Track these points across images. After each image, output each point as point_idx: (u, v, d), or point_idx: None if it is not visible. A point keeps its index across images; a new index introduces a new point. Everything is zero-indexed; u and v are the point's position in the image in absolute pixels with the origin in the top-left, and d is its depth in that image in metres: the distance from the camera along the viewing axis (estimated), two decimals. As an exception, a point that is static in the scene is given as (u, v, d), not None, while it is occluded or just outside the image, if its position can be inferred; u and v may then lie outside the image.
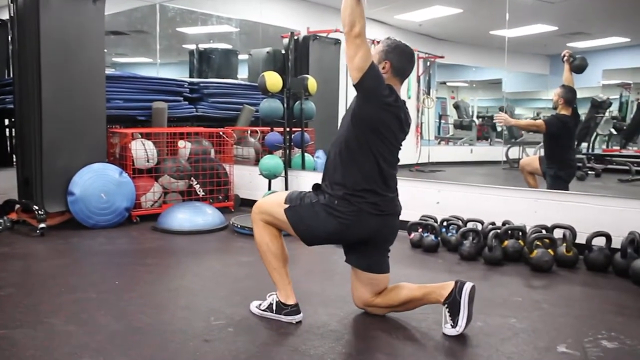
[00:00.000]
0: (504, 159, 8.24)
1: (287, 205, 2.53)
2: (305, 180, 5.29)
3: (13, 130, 5.42)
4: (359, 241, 2.56)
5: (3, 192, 4.88)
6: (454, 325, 2.43)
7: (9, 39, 5.32)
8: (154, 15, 7.41)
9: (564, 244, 3.69)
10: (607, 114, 8.63)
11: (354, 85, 2.36)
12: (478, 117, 12.05)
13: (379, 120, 2.41)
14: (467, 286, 2.46)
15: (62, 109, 4.62)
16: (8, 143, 5.77)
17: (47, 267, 3.60)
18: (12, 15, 4.63)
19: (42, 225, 4.37)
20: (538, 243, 3.67)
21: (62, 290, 3.05)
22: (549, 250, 3.64)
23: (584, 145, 8.34)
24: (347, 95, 7.19)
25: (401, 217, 2.64)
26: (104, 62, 4.99)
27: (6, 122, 5.71)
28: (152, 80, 5.92)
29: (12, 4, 4.59)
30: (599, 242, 3.65)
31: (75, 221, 4.64)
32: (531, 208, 4.17)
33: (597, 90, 8.98)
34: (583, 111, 9.01)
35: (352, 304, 2.73)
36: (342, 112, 7.40)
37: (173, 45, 8.45)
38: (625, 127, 9.09)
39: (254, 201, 5.68)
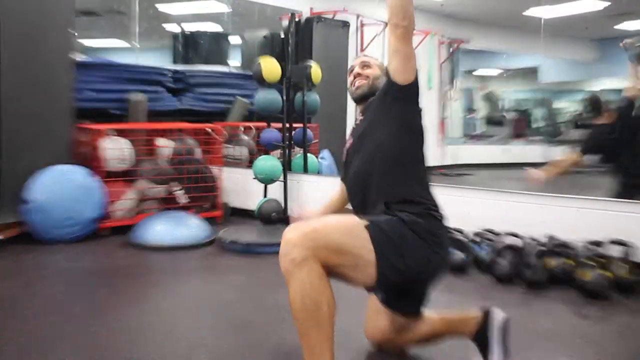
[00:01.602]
0: (543, 160, 8.14)
1: (366, 222, 2.15)
2: (309, 186, 5.27)
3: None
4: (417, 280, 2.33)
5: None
6: None
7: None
8: (132, -8, 7.35)
9: (624, 264, 3.59)
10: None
11: (407, 86, 2.30)
12: (511, 111, 12.02)
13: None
14: (499, 316, 2.37)
15: (23, 102, 4.63)
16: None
17: (-3, 291, 3.57)
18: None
19: (-3, 238, 4.36)
20: (591, 262, 3.59)
21: (15, 317, 3.00)
22: (605, 272, 3.53)
23: None
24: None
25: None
26: (72, 46, 5.00)
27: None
28: (129, 68, 5.93)
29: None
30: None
31: (32, 234, 4.60)
32: (582, 219, 4.05)
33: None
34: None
35: (362, 339, 2.63)
36: (351, 106, 7.31)
37: (154, 28, 8.44)
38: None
39: (247, 211, 5.64)
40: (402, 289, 2.35)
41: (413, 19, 2.24)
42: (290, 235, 2.00)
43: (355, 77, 2.56)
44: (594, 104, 5.01)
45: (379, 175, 2.30)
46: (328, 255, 2.01)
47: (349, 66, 2.67)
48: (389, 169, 2.27)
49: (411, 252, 2.14)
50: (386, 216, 2.20)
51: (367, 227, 2.10)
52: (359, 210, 2.38)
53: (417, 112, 2.39)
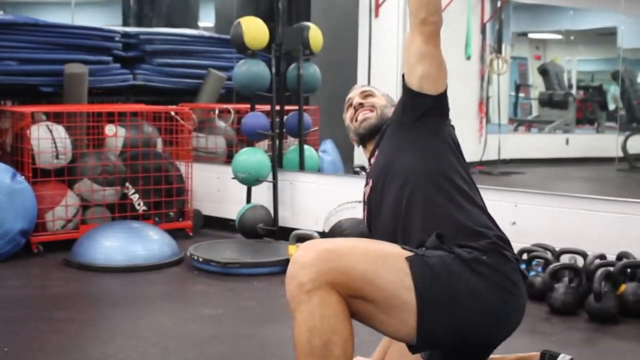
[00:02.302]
0: (621, 154, 8.21)
1: (409, 253, 2.07)
2: (306, 188, 5.30)
3: None
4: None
5: None
6: None
7: None
8: None
9: None
10: None
11: (437, 97, 2.37)
12: (578, 88, 12.00)
13: None
14: None
15: None
16: None
17: None
18: None
19: None
20: None
21: None
22: None
23: None
24: (370, 55, 7.19)
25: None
26: None
27: None
28: (64, 29, 5.97)
29: None
30: None
31: None
32: None
33: None
34: None
35: None
36: (363, 78, 7.42)
37: None
38: None
39: (224, 220, 5.72)
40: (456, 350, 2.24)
41: (441, 15, 2.31)
42: (300, 253, 1.98)
43: (356, 110, 2.62)
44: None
45: (420, 214, 2.24)
46: (349, 285, 1.95)
47: (351, 93, 2.71)
48: (432, 199, 2.22)
49: (472, 300, 2.07)
50: (439, 251, 2.10)
51: (408, 258, 2.02)
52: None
53: (451, 127, 2.43)
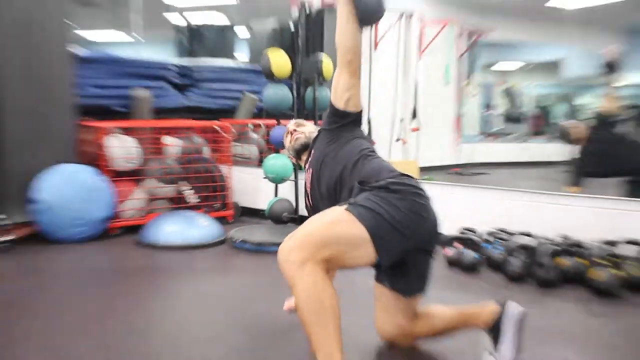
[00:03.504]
0: (567, 158, 8.18)
1: (345, 206, 2.31)
2: None
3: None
4: (415, 246, 2.48)
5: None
6: (498, 357, 2.45)
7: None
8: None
9: (636, 264, 3.69)
10: None
11: (358, 113, 2.77)
12: (533, 107, 11.95)
13: None
14: (515, 308, 2.47)
15: (22, 98, 4.71)
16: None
17: (11, 290, 3.66)
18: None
19: (7, 237, 4.48)
20: (603, 262, 3.68)
21: (29, 317, 3.11)
22: (617, 271, 3.62)
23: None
24: (370, 81, 7.23)
25: (437, 231, 2.67)
26: (69, 38, 5.05)
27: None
28: (133, 62, 6.03)
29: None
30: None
31: (41, 234, 4.73)
32: (595, 219, 4.21)
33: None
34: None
35: (372, 334, 2.73)
36: (364, 102, 7.47)
37: (158, 20, 8.49)
38: None
39: (257, 210, 5.78)
40: (404, 263, 2.50)
41: (361, 56, 2.66)
42: (285, 244, 2.17)
43: (292, 134, 3.05)
44: (565, 134, 5.28)
45: (347, 177, 2.55)
46: (326, 250, 2.16)
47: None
48: (352, 167, 2.56)
49: (398, 210, 2.29)
50: (362, 193, 2.37)
51: (347, 209, 2.27)
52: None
53: (361, 130, 2.81)
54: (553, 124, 10.92)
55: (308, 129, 3.05)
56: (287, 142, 3.11)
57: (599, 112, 5.18)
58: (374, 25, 7.81)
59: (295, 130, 3.05)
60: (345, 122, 2.71)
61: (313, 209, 2.79)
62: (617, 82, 5.13)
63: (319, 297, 2.11)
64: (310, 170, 2.79)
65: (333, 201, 2.54)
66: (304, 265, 2.11)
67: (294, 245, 2.15)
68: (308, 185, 2.82)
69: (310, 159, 2.84)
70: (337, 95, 2.70)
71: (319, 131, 2.87)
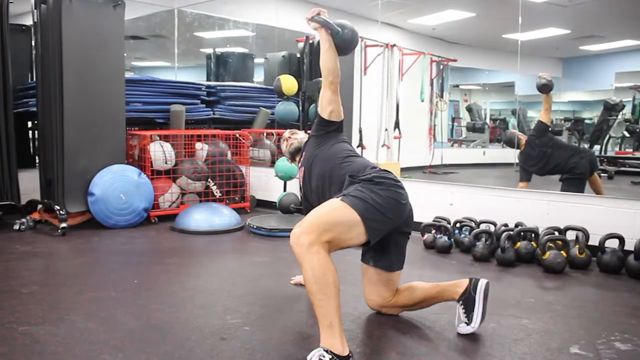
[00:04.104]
0: (517, 161, 8.17)
1: (340, 197, 2.33)
2: None
3: (36, 132, 5.50)
4: (396, 228, 2.49)
5: (26, 193, 4.93)
6: (469, 322, 2.44)
7: (33, 44, 5.39)
8: (173, 20, 7.45)
9: (577, 246, 3.66)
10: (619, 116, 8.53)
11: (340, 122, 2.81)
12: (491, 119, 11.97)
13: None
14: (482, 282, 2.48)
15: (83, 112, 4.67)
16: (31, 145, 5.84)
17: (68, 266, 3.65)
18: (35, 21, 4.71)
19: (64, 225, 4.42)
20: (551, 245, 3.65)
21: (82, 289, 3.07)
22: (562, 252, 3.60)
23: (597, 147, 8.26)
24: (361, 98, 7.21)
25: (415, 219, 2.64)
26: (123, 65, 5.04)
27: (29, 124, 5.77)
28: (170, 83, 5.96)
29: (36, 10, 4.67)
30: (612, 244, 3.62)
31: (95, 221, 4.70)
32: (544, 210, 4.15)
33: (610, 93, 8.89)
34: (596, 113, 8.95)
35: (363, 303, 2.72)
36: (356, 115, 7.42)
37: (191, 49, 8.49)
38: (638, 130, 8.98)
39: (270, 202, 5.73)
40: (386, 244, 2.52)
41: (339, 77, 2.71)
42: (296, 230, 2.15)
43: (287, 140, 3.08)
44: (510, 141, 5.31)
45: (336, 174, 2.57)
46: (328, 234, 2.15)
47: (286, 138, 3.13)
48: (339, 165, 2.58)
49: (382, 197, 2.34)
50: (352, 185, 2.41)
51: (342, 199, 2.30)
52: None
53: (343, 134, 2.82)
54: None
55: (300, 136, 3.09)
56: (284, 147, 3.13)
57: (538, 121, 5.17)
58: (363, 53, 7.86)
59: (289, 137, 3.09)
60: (330, 130, 2.76)
61: (305, 199, 2.88)
62: (550, 99, 5.15)
63: (324, 274, 2.08)
64: (302, 168, 2.85)
65: (322, 193, 2.64)
66: (311, 247, 2.10)
67: (303, 230, 2.14)
68: (301, 180, 2.87)
69: (302, 159, 2.90)
70: (322, 107, 2.75)
71: (309, 137, 2.89)
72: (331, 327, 2.08)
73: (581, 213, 3.97)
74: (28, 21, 5.25)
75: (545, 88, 5.08)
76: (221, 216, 4.83)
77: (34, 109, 4.99)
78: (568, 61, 9.90)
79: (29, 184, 4.98)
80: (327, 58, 2.66)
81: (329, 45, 2.66)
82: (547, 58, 10.21)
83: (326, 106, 2.73)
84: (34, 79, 5.23)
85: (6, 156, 4.68)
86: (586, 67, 9.85)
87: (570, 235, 3.82)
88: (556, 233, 3.81)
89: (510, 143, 5.30)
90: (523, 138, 5.18)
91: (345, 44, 2.71)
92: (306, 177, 2.78)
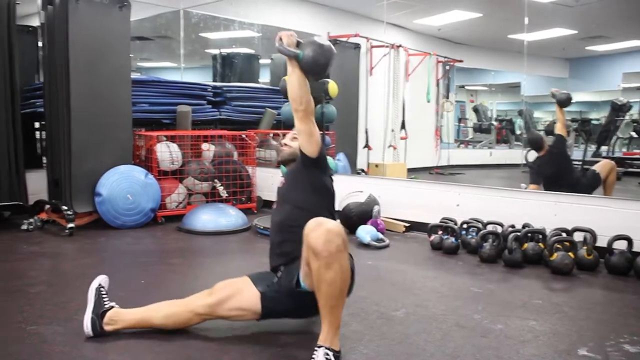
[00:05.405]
0: (524, 161, 8.16)
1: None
2: None
3: (43, 133, 5.52)
4: None
5: (33, 193, 4.95)
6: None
7: (39, 45, 5.42)
8: (178, 21, 7.46)
9: (585, 247, 3.64)
10: (627, 117, 8.51)
11: (313, 159, 2.44)
12: (497, 120, 11.96)
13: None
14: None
15: (90, 113, 4.69)
16: (38, 145, 5.86)
17: (76, 266, 3.66)
18: (42, 22, 4.74)
19: (71, 225, 4.43)
20: (558, 246, 3.62)
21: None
22: (570, 253, 3.57)
23: (604, 148, 8.23)
24: (367, 99, 7.21)
25: (422, 219, 2.66)
26: (129, 66, 5.06)
27: (36, 125, 5.79)
28: (177, 84, 5.99)
29: (42, 12, 4.70)
30: (620, 245, 3.59)
31: (102, 221, 4.70)
32: (551, 211, 4.12)
33: (617, 94, 8.88)
34: (603, 114, 8.92)
35: (373, 304, 2.71)
36: (363, 116, 7.41)
37: (197, 50, 8.50)
38: (645, 130, 8.95)
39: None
40: None
41: (309, 103, 2.38)
42: (330, 226, 2.06)
43: (282, 145, 2.70)
44: (535, 143, 5.23)
45: (296, 227, 2.28)
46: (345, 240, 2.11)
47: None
48: (303, 222, 2.18)
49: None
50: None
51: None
52: (274, 248, 2.53)
53: (327, 176, 2.53)
54: (516, 135, 10.91)
55: (296, 145, 2.61)
56: (279, 150, 2.83)
57: (558, 135, 5.14)
58: (369, 54, 7.87)
59: (286, 144, 2.70)
60: (307, 165, 2.47)
61: (277, 205, 2.63)
62: (564, 113, 5.15)
63: (347, 279, 2.11)
64: (277, 199, 2.64)
65: (280, 238, 2.50)
66: (344, 253, 2.08)
67: (340, 231, 2.08)
68: (280, 188, 2.65)
69: (289, 171, 2.67)
70: (300, 140, 2.46)
71: (291, 168, 2.63)
72: (338, 328, 2.13)
73: (589, 214, 3.94)
74: (35, 22, 5.28)
75: (567, 102, 5.12)
76: (228, 217, 4.82)
77: (41, 109, 5.02)
78: (575, 62, 9.89)
79: (37, 184, 4.99)
80: (289, 84, 2.41)
81: (291, 70, 2.39)
82: (553, 58, 10.20)
83: (298, 136, 2.46)
84: (41, 80, 5.26)
85: (14, 156, 4.70)
86: (593, 67, 9.84)
87: (578, 237, 3.79)
88: (564, 234, 3.79)
89: (535, 144, 5.25)
90: (546, 144, 5.17)
91: (308, 67, 2.39)
92: (284, 192, 2.61)
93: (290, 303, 2.36)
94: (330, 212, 2.49)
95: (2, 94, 4.61)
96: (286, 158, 2.67)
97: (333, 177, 2.62)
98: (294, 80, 2.39)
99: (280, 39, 2.42)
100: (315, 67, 2.41)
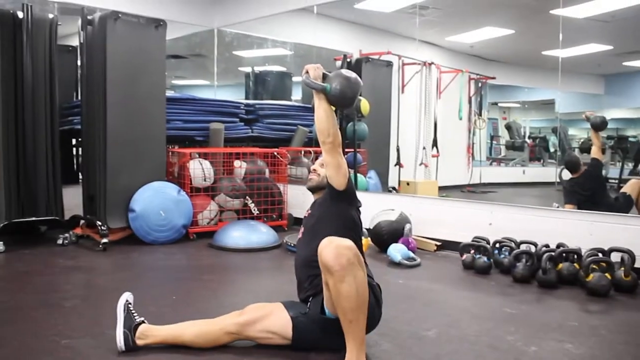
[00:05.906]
0: (558, 180, 8.02)
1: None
2: None
3: (80, 149, 5.63)
4: None
5: (69, 208, 5.04)
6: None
7: (78, 64, 5.55)
8: (212, 40, 7.58)
9: (622, 268, 3.54)
10: (667, 134, 8.30)
11: (341, 192, 2.43)
12: (530, 137, 11.81)
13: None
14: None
15: (126, 130, 4.78)
16: (75, 161, 5.98)
17: (109, 281, 3.71)
18: (81, 42, 4.87)
19: (105, 240, 4.51)
20: (594, 266, 3.54)
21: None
22: (606, 274, 3.49)
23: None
24: (399, 117, 7.20)
25: (453, 238, 2.62)
26: (164, 85, 5.15)
27: (73, 141, 5.92)
28: (210, 102, 6.05)
29: (82, 32, 4.82)
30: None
31: (135, 237, 4.77)
32: (587, 230, 4.03)
33: (656, 111, 8.68)
34: (640, 132, 8.74)
35: (404, 324, 2.69)
36: (394, 133, 7.40)
37: (230, 68, 8.61)
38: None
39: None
40: None
41: (337, 136, 2.37)
42: (340, 242, 2.12)
43: (311, 173, 2.67)
44: (572, 165, 5.15)
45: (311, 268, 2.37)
46: (358, 253, 2.17)
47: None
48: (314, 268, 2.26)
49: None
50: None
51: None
52: (303, 283, 2.54)
53: (354, 209, 2.50)
54: (551, 152, 10.75)
55: (323, 173, 2.58)
56: (309, 177, 2.76)
57: (594, 159, 5.04)
58: (401, 71, 7.87)
59: (315, 170, 2.64)
60: (334, 197, 2.46)
61: (301, 235, 2.65)
62: (599, 136, 5.13)
63: (365, 290, 2.13)
64: (302, 229, 2.64)
65: (305, 275, 2.53)
66: (356, 265, 2.10)
67: (350, 246, 2.13)
68: (305, 218, 2.65)
69: (316, 202, 2.63)
70: (327, 172, 2.47)
71: (319, 198, 2.61)
72: (362, 344, 2.14)
73: (626, 234, 3.84)
74: (74, 42, 5.42)
75: (603, 125, 5.08)
76: (259, 234, 4.84)
77: (79, 126, 5.13)
78: (610, 78, 9.71)
79: (73, 199, 5.08)
80: (316, 117, 2.42)
81: (318, 103, 2.41)
82: (588, 75, 10.04)
83: (326, 169, 2.46)
84: (79, 98, 5.38)
85: (52, 172, 4.80)
86: (630, 83, 9.63)
87: (615, 257, 3.69)
88: (600, 254, 3.70)
89: (572, 166, 5.17)
90: (582, 167, 5.08)
91: (335, 100, 2.41)
92: (300, 244, 2.63)
93: (318, 332, 2.35)
94: (357, 245, 2.38)
95: (42, 111, 4.73)
96: (314, 186, 2.64)
97: (361, 209, 2.58)
98: (321, 113, 2.39)
99: (307, 72, 2.43)
100: (343, 101, 2.43)
